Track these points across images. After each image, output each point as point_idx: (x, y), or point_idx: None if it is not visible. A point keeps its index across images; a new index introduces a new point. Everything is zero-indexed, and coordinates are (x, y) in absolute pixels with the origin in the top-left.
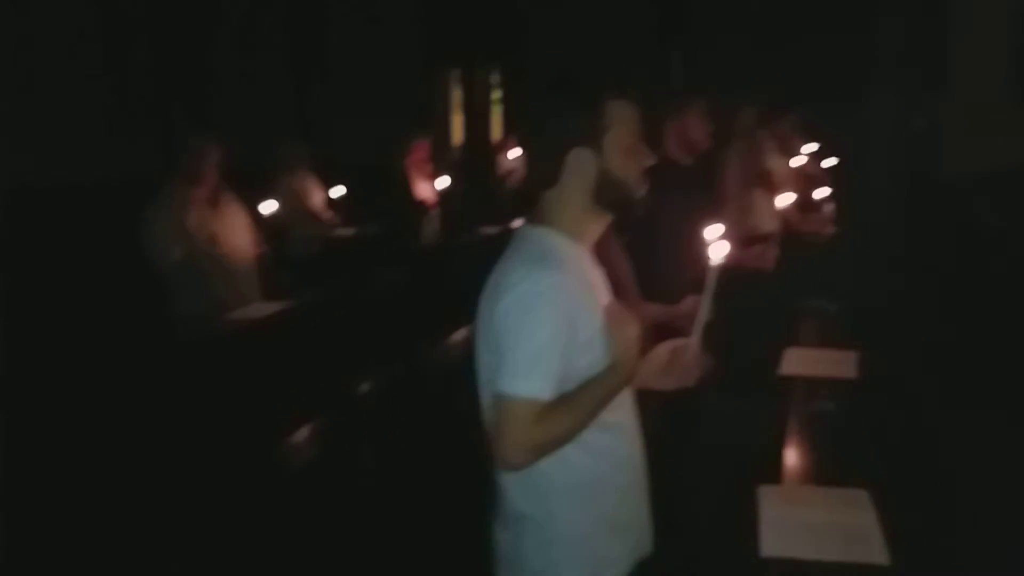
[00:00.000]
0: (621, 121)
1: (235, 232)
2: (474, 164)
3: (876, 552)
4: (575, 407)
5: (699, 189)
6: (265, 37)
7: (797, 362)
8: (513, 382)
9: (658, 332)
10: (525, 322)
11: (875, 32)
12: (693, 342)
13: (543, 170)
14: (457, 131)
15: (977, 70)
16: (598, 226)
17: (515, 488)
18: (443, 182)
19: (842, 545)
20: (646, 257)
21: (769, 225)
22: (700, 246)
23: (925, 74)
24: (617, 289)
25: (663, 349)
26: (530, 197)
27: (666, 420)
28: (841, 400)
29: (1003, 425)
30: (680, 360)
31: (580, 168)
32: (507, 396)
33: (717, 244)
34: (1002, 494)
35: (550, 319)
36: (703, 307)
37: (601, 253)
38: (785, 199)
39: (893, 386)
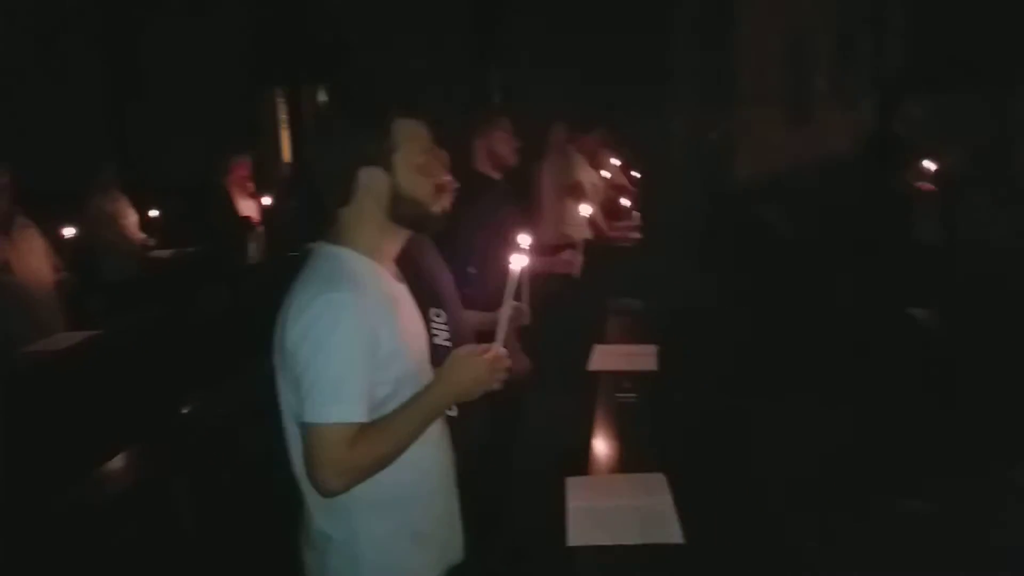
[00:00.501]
0: (410, 139)
1: (30, 258)
2: (301, 181)
3: (672, 533)
4: (393, 427)
5: (510, 202)
6: (77, 54)
7: (603, 358)
8: (321, 410)
9: (480, 339)
10: (321, 346)
11: (668, 50)
12: (496, 345)
13: (335, 189)
14: (286, 148)
15: (760, 86)
16: (396, 242)
17: (319, 509)
18: (266, 200)
19: (640, 528)
20: (458, 267)
21: (580, 233)
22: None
23: (716, 89)
24: (439, 300)
25: (462, 352)
26: (326, 216)
27: (489, 420)
28: (643, 391)
29: (805, 408)
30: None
31: (372, 186)
32: (317, 424)
33: (520, 253)
34: (797, 470)
35: (347, 340)
36: (504, 311)
37: (422, 265)
38: (588, 209)
39: (693, 376)
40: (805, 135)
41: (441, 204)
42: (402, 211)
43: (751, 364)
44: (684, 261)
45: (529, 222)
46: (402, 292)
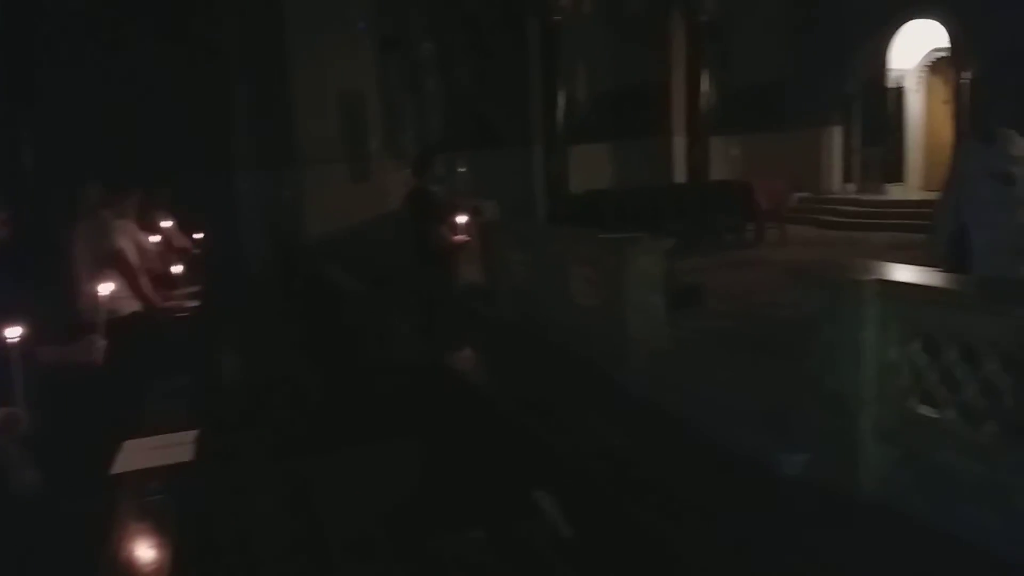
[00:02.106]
0: None
1: None
2: None
3: None
4: None
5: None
6: None
7: (131, 456)
8: None
9: None
10: None
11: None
12: None
13: None
14: None
15: (321, 147)
16: None
17: None
18: None
19: None
20: None
21: (127, 306)
22: None
23: (279, 150)
24: None
25: None
26: None
27: None
28: (173, 487)
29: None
30: None
31: None
32: None
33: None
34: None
35: None
36: None
37: None
38: (108, 286)
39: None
40: (364, 192)
41: None
42: None
43: (312, 424)
44: (246, 328)
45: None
46: None
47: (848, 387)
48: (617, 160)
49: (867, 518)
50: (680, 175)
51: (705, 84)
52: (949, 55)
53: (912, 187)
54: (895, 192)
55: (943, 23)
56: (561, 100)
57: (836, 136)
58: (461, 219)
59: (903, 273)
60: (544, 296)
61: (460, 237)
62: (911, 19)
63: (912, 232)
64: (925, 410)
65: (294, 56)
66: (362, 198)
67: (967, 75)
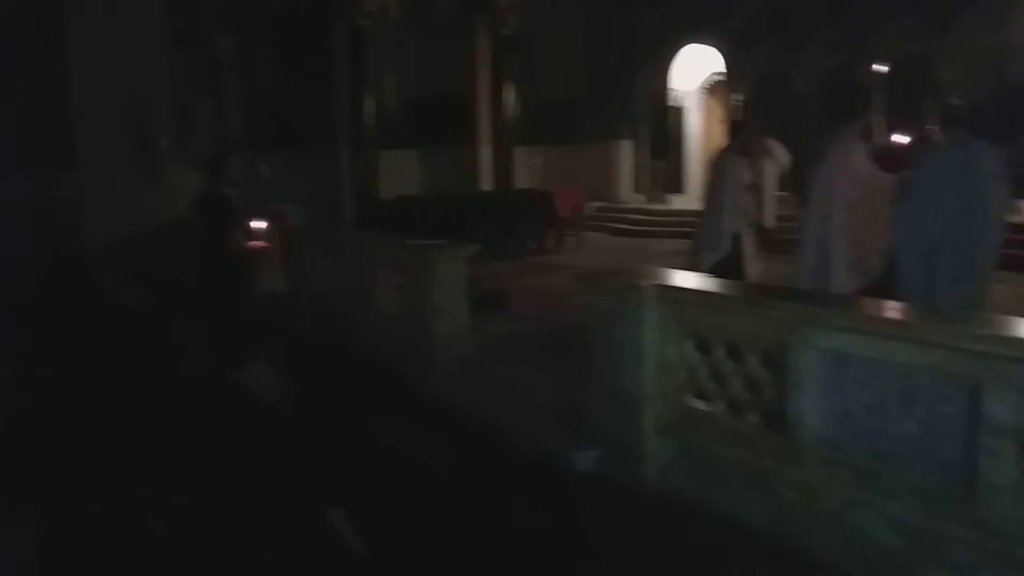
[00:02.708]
0: None
1: None
2: None
3: None
4: None
5: None
6: None
7: None
8: None
9: None
10: None
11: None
12: None
13: None
14: None
15: (103, 150)
16: None
17: None
18: None
19: None
20: None
21: None
22: None
23: (59, 152)
24: None
25: None
26: None
27: None
28: None
29: None
30: None
31: None
32: None
33: None
34: None
35: None
36: None
37: None
38: None
39: None
40: (152, 196)
41: None
42: None
43: None
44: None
45: None
46: None
47: (632, 385)
48: (426, 167)
49: (649, 507)
50: (487, 183)
51: (510, 96)
52: (724, 78)
53: (692, 198)
54: (677, 202)
55: (719, 49)
56: (369, 104)
57: (627, 149)
58: (258, 224)
59: (679, 278)
60: (349, 302)
61: (256, 243)
62: (689, 43)
63: (691, 238)
64: (699, 404)
65: (74, 53)
66: (149, 203)
67: (738, 97)
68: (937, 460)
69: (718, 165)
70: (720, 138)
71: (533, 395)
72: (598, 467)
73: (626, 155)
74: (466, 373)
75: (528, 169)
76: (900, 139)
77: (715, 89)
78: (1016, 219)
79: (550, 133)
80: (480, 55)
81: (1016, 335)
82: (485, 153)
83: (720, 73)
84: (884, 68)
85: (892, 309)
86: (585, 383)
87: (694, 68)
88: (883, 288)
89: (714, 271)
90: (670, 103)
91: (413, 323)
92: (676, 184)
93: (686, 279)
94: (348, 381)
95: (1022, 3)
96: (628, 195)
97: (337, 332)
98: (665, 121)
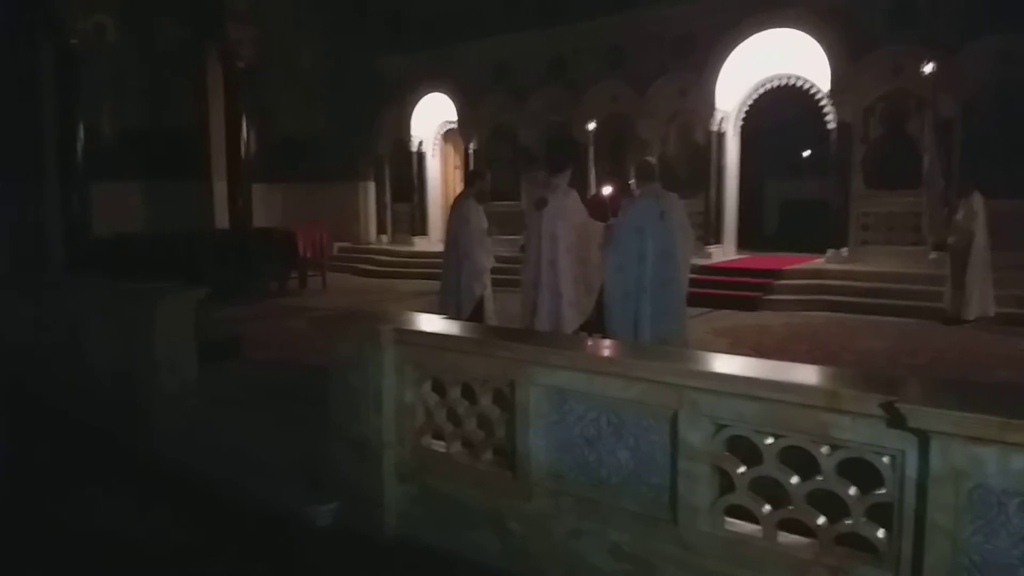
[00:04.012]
0: None
1: None
2: None
3: None
4: None
5: None
6: None
7: None
8: None
9: None
10: None
11: None
12: None
13: None
14: None
15: None
16: None
17: None
18: None
19: None
20: None
21: None
22: None
23: None
24: None
25: None
26: None
27: None
28: None
29: None
30: None
31: None
32: None
33: None
34: None
35: None
36: None
37: None
38: None
39: None
40: None
41: None
42: None
43: None
44: None
45: None
46: None
47: (370, 431)
48: (153, 202)
49: (386, 557)
50: (222, 221)
51: (245, 130)
52: (459, 127)
53: (433, 240)
54: (420, 244)
55: (453, 99)
56: (81, 132)
57: (371, 191)
58: None
59: (416, 321)
60: (56, 358)
61: None
62: (429, 92)
63: (432, 280)
64: (437, 446)
65: None
66: None
67: (472, 145)
68: (647, 486)
69: (460, 211)
70: (457, 184)
71: (270, 450)
72: (337, 520)
73: (370, 196)
74: (195, 432)
75: (268, 207)
76: (606, 190)
77: (450, 136)
78: (704, 262)
79: (292, 170)
80: (213, 86)
81: (704, 368)
82: (220, 189)
83: (455, 122)
84: (592, 125)
85: (603, 346)
86: (323, 432)
87: (433, 115)
88: (596, 325)
89: (471, 314)
90: (412, 148)
91: (132, 377)
92: (419, 227)
93: (423, 321)
94: (48, 450)
95: (706, 74)
96: (372, 236)
97: (46, 393)
98: (407, 165)
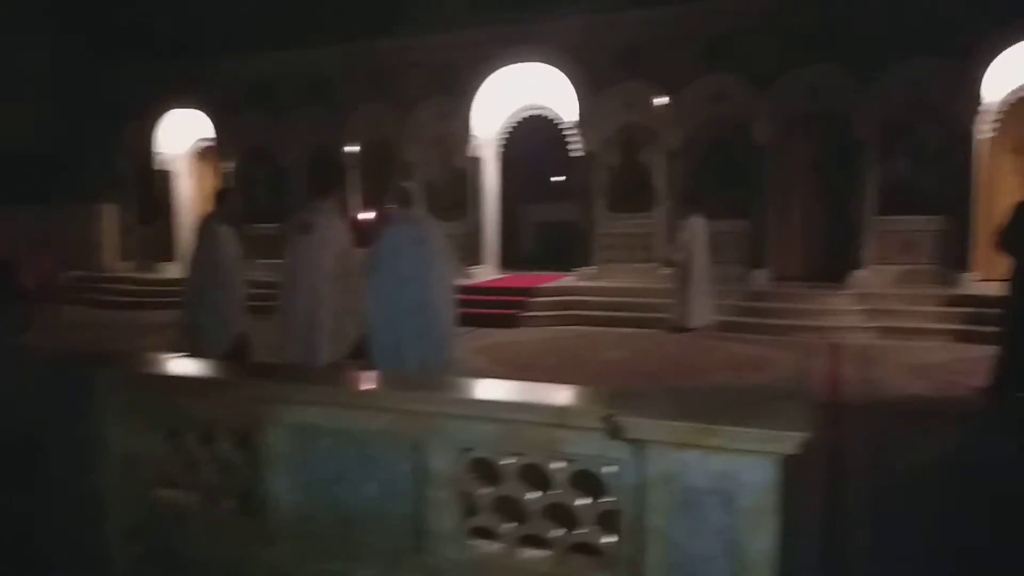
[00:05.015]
0: None
1: None
2: None
3: None
4: None
5: None
6: None
7: None
8: None
9: None
10: None
11: None
12: None
13: None
14: None
15: None
16: None
17: None
18: None
19: None
20: None
21: None
22: None
23: None
24: None
25: None
26: None
27: None
28: None
29: None
30: None
31: None
32: None
33: None
34: None
35: None
36: None
37: None
38: None
39: None
40: None
41: None
42: None
43: None
44: None
45: None
46: None
47: (92, 487)
48: None
49: None
50: None
51: None
52: (214, 145)
53: (185, 265)
54: (168, 271)
55: (207, 115)
56: None
57: (112, 213)
58: None
59: (147, 362)
60: None
61: None
62: (177, 107)
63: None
64: (171, 497)
65: None
66: None
67: (229, 164)
68: (395, 518)
69: (209, 236)
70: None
71: None
72: None
73: (111, 219)
74: None
75: None
76: (366, 216)
77: (205, 154)
78: (467, 282)
79: (12, 192)
80: None
81: (450, 395)
82: None
83: (210, 139)
84: (356, 148)
85: (350, 378)
86: (43, 492)
87: (186, 131)
88: (359, 355)
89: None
90: (158, 166)
91: None
92: (167, 251)
93: (155, 363)
94: None
95: (464, 101)
96: (114, 263)
97: None
98: (153, 184)
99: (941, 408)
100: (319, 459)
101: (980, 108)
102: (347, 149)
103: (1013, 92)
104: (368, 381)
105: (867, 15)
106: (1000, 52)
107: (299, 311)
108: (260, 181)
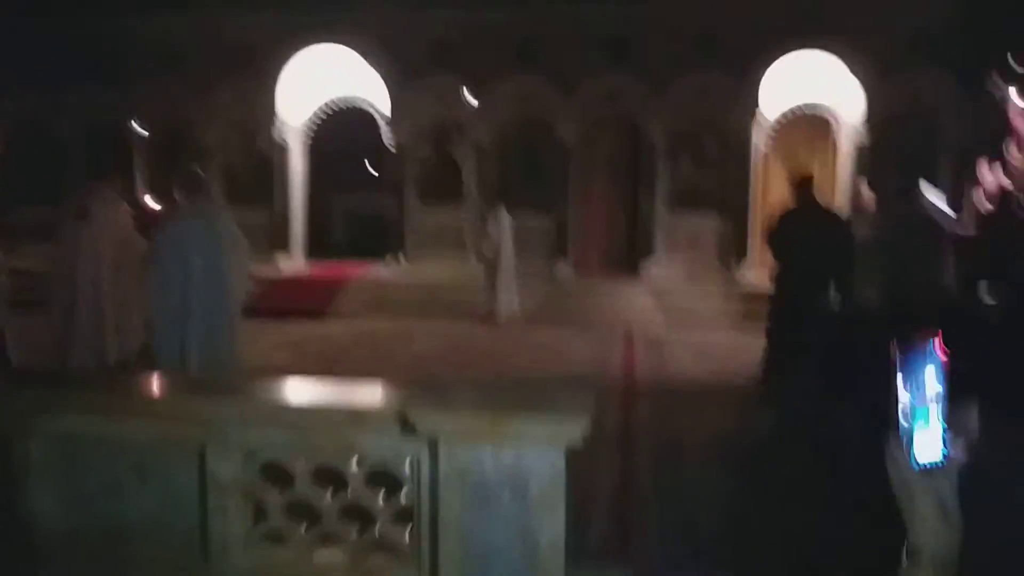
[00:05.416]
0: None
1: None
2: None
3: None
4: None
5: None
6: None
7: None
8: None
9: None
10: None
11: None
12: None
13: None
14: None
15: None
16: None
17: None
18: None
19: None
20: None
21: None
22: None
23: None
24: None
25: None
26: None
27: None
28: None
29: None
30: None
31: None
32: None
33: None
34: None
35: None
36: None
37: None
38: None
39: None
40: None
41: None
42: None
43: None
44: None
45: None
46: None
47: None
48: None
49: None
50: None
51: None
52: None
53: None
54: None
55: None
56: None
57: None
58: None
59: None
60: None
61: None
62: None
63: None
64: None
65: None
66: None
67: None
68: (178, 530)
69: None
70: None
71: None
72: None
73: None
74: None
75: None
76: (152, 203)
77: None
78: (271, 272)
79: None
80: None
81: (232, 400)
82: None
83: None
84: (144, 129)
85: (126, 383)
86: None
87: None
88: (148, 352)
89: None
90: None
91: None
92: None
93: None
94: None
95: (267, 83)
96: None
97: None
98: None
99: (719, 391)
100: (86, 472)
101: (756, 122)
102: (131, 127)
103: (783, 114)
104: (146, 386)
105: (661, 32)
106: (766, 70)
107: (80, 307)
108: (32, 158)
